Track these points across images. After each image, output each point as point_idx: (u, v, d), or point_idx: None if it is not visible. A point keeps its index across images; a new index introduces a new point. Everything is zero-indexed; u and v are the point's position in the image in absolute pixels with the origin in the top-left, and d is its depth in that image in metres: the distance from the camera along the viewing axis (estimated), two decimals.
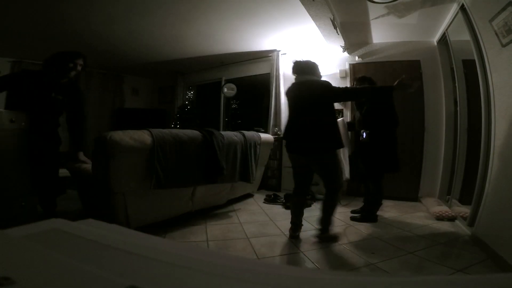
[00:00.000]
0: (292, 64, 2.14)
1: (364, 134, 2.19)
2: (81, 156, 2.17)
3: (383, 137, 2.45)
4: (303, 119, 1.97)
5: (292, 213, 2.13)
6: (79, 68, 2.03)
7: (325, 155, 1.95)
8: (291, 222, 2.12)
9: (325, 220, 2.02)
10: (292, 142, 2.06)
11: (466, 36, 2.30)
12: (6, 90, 1.88)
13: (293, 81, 2.15)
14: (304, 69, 2.07)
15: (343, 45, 3.69)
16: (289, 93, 2.14)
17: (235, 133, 2.78)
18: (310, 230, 2.27)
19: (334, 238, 2.03)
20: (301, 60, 2.12)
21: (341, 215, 2.68)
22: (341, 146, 2.01)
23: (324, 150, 1.94)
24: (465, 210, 2.50)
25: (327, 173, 1.99)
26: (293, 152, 2.07)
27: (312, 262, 1.72)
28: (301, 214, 2.12)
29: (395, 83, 1.89)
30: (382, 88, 1.93)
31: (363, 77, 2.67)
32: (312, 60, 2.12)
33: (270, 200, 3.21)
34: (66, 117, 2.15)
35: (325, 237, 2.02)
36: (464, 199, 2.80)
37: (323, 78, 2.14)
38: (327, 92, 1.96)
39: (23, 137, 1.61)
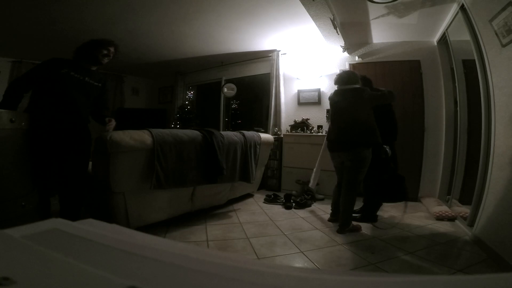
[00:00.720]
0: (335, 77, 2.42)
1: (388, 149, 2.27)
2: (112, 123, 2.08)
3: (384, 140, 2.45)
4: (344, 120, 2.23)
5: (332, 199, 2.50)
6: (111, 56, 2.03)
7: (361, 152, 2.13)
8: (331, 206, 2.51)
9: (345, 217, 2.23)
10: (334, 141, 2.32)
11: (466, 36, 2.30)
12: (38, 81, 1.79)
13: (336, 89, 2.44)
14: (345, 79, 2.33)
15: (343, 45, 3.69)
16: (332, 98, 2.43)
17: (235, 133, 2.78)
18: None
19: (357, 229, 2.26)
20: (342, 71, 2.43)
21: None
22: (379, 142, 2.19)
23: (361, 145, 2.13)
24: (465, 210, 2.50)
25: (355, 170, 2.16)
26: (334, 151, 2.35)
27: (312, 262, 1.72)
28: (338, 201, 2.37)
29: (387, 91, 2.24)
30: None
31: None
32: (352, 70, 2.41)
33: (270, 200, 3.21)
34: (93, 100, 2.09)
35: (348, 230, 2.22)
36: (464, 199, 2.81)
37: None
38: (366, 95, 2.21)
39: (23, 136, 1.61)
